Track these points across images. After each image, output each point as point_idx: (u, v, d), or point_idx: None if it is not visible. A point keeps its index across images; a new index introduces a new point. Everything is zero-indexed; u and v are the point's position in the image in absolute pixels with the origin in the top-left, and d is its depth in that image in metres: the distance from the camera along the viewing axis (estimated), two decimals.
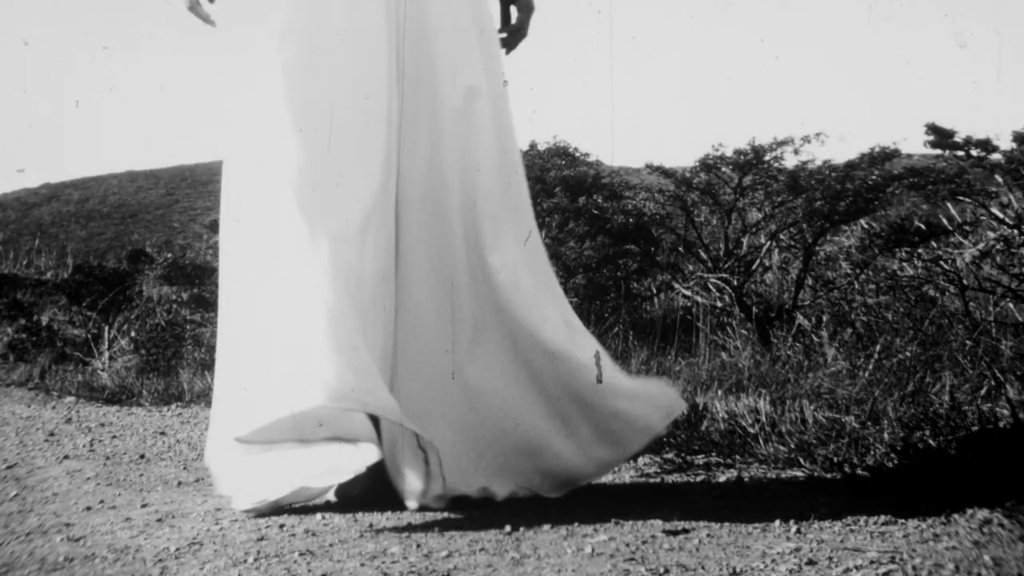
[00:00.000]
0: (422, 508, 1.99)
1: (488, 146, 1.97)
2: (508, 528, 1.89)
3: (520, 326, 1.95)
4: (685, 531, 1.87)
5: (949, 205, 3.85)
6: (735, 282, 4.15)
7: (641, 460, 2.53)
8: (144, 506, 2.12)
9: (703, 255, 4.36)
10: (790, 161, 4.24)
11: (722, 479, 2.30)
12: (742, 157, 4.21)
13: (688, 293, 4.41)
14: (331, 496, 2.05)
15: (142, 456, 2.69)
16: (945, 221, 3.72)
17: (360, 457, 1.85)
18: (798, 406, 2.67)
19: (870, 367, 3.22)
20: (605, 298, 4.73)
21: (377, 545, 1.80)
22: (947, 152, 3.58)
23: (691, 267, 4.55)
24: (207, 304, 5.11)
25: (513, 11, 2.15)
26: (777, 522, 1.92)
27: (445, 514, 2.01)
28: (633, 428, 2.03)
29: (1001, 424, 2.22)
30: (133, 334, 5.14)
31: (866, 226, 4.04)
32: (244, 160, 1.89)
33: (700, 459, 2.50)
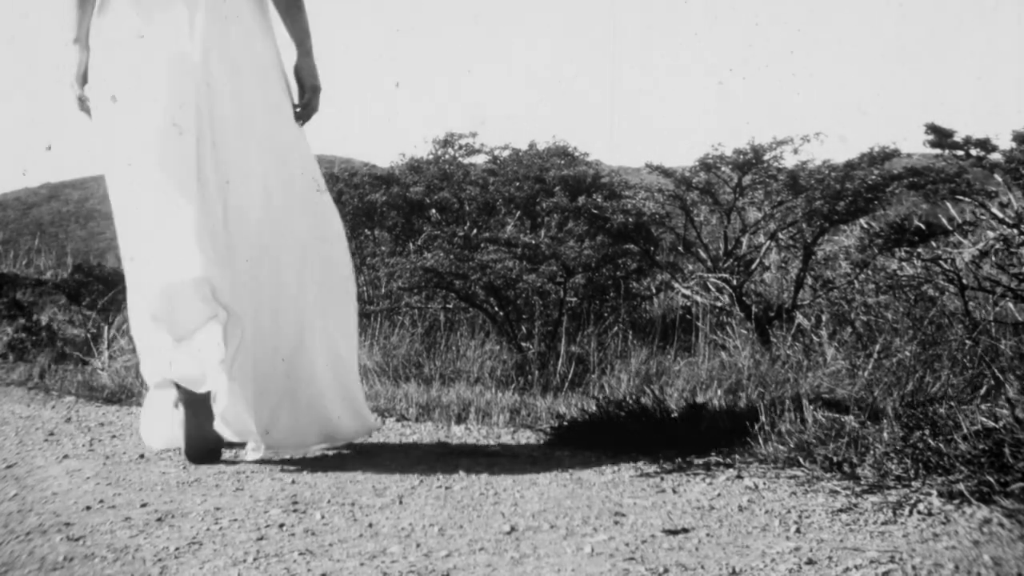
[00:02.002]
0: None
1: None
2: (508, 528, 1.89)
3: None
4: (685, 531, 1.87)
5: (948, 205, 3.85)
6: (735, 282, 4.15)
7: (641, 460, 2.53)
8: (144, 506, 2.12)
9: (702, 255, 4.36)
10: (790, 160, 4.23)
11: (722, 479, 2.30)
12: (742, 156, 4.21)
13: (688, 293, 4.41)
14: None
15: (141, 456, 2.69)
16: (944, 221, 3.72)
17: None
18: (798, 406, 2.67)
19: (870, 367, 3.22)
20: (604, 298, 4.73)
21: (376, 545, 1.81)
22: (947, 152, 3.57)
23: (691, 267, 4.55)
24: None
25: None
26: (777, 522, 1.92)
27: (445, 514, 2.01)
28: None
29: (1000, 424, 2.22)
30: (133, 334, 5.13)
31: (865, 226, 4.04)
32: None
33: (700, 459, 2.50)
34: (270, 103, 2.56)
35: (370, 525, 1.93)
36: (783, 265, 4.46)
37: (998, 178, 3.56)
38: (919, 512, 1.94)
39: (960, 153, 3.52)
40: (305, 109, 2.66)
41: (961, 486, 2.01)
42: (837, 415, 2.55)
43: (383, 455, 2.68)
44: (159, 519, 2.01)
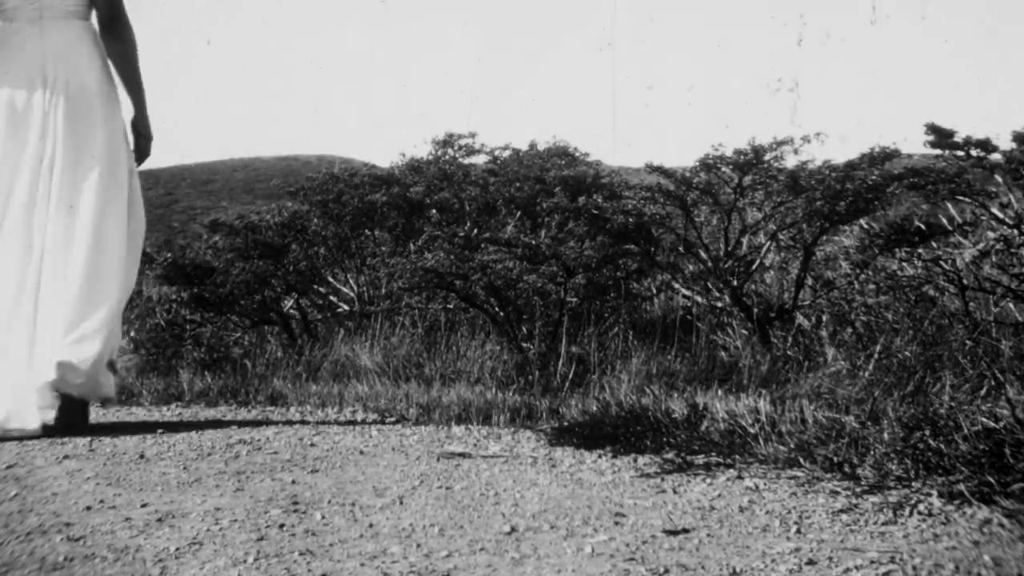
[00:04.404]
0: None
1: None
2: (508, 528, 1.89)
3: None
4: (685, 531, 1.87)
5: (949, 205, 3.85)
6: (735, 282, 4.15)
7: (641, 460, 2.53)
8: (144, 506, 2.12)
9: (703, 255, 4.36)
10: (790, 161, 4.23)
11: (722, 479, 2.30)
12: (742, 157, 4.21)
13: (688, 293, 4.41)
14: None
15: (142, 456, 2.69)
16: (945, 221, 3.72)
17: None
18: (798, 406, 2.67)
19: (870, 367, 3.22)
20: (605, 298, 4.73)
21: (377, 545, 1.81)
22: (947, 152, 3.57)
23: (691, 267, 4.55)
24: (207, 304, 5.10)
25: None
26: (777, 522, 1.92)
27: (445, 514, 2.01)
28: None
29: (1001, 424, 2.22)
30: (133, 334, 5.13)
31: (866, 226, 4.04)
32: None
33: (700, 459, 2.50)
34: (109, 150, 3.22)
35: (370, 525, 1.93)
36: (783, 265, 4.46)
37: (998, 178, 3.56)
38: (919, 512, 1.94)
39: (960, 153, 3.52)
40: (140, 154, 3.34)
41: (962, 486, 2.02)
42: (837, 415, 2.55)
43: (383, 455, 2.68)
44: (159, 519, 2.01)
